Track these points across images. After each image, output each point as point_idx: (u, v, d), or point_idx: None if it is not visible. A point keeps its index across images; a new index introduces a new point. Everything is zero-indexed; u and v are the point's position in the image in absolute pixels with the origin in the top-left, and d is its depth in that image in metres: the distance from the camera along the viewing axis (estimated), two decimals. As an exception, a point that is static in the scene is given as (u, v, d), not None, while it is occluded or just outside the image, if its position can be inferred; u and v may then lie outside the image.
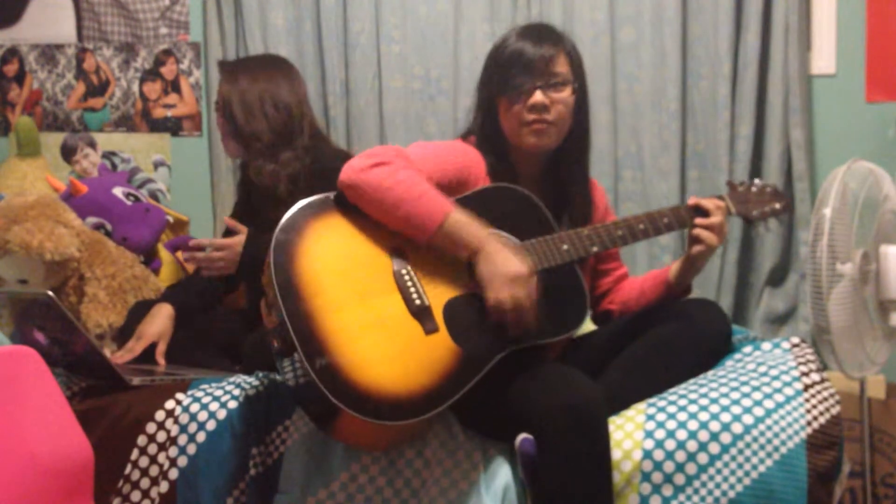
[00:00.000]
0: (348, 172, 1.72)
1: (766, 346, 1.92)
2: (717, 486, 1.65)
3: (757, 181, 2.03)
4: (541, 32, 1.91)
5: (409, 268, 1.71)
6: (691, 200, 1.92)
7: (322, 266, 1.67)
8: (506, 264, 1.67)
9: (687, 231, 1.92)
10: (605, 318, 2.11)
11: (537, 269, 1.74)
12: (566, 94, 1.88)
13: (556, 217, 1.88)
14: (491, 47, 1.96)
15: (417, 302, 1.67)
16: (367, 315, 1.64)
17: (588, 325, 2.17)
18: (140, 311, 2.26)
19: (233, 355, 2.19)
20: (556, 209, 1.90)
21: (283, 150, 2.19)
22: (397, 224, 1.71)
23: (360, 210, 1.74)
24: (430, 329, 1.66)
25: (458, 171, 1.84)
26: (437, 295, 1.70)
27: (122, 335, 2.27)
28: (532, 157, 1.93)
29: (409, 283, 1.69)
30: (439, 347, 1.65)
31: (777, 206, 1.99)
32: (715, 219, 1.88)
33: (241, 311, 2.37)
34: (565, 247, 1.80)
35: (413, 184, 1.70)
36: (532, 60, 1.85)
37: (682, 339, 1.83)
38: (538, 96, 1.85)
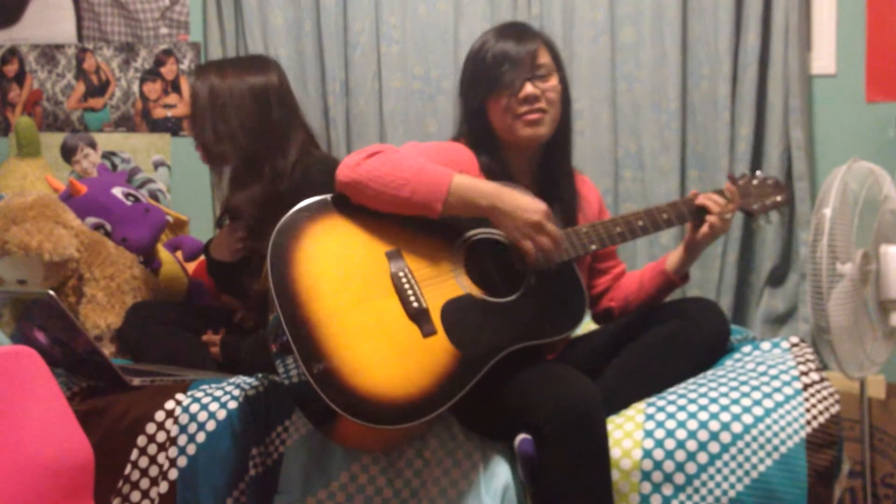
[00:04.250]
0: (344, 171, 1.72)
1: (766, 345, 1.92)
2: (718, 485, 1.65)
3: (758, 173, 2.03)
4: (519, 30, 1.94)
5: (406, 270, 1.71)
6: (699, 199, 1.92)
7: (319, 269, 1.67)
8: (525, 211, 1.70)
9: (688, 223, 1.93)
10: (606, 315, 2.11)
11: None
12: (554, 82, 1.91)
13: None
14: (469, 51, 1.96)
15: (415, 304, 1.67)
16: (365, 319, 1.64)
17: (587, 325, 2.17)
18: (138, 312, 2.26)
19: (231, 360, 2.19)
20: (546, 203, 1.90)
21: (252, 176, 2.05)
22: (405, 206, 1.71)
23: (355, 212, 1.74)
24: (427, 332, 1.66)
25: (450, 168, 1.84)
26: (435, 297, 1.70)
27: (120, 336, 2.27)
28: (524, 152, 1.95)
29: (407, 286, 1.69)
30: (437, 350, 1.65)
31: (778, 198, 1.99)
32: (729, 206, 1.91)
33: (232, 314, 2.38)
34: (563, 245, 1.80)
35: (409, 162, 1.71)
36: (518, 57, 1.88)
37: (680, 338, 1.83)
38: (529, 88, 1.87)
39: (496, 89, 1.88)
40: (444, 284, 1.73)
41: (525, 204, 1.71)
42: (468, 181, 1.71)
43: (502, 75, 1.87)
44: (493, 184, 1.73)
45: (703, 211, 1.90)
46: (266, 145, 2.06)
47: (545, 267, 1.76)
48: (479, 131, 1.94)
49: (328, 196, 1.76)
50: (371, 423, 1.54)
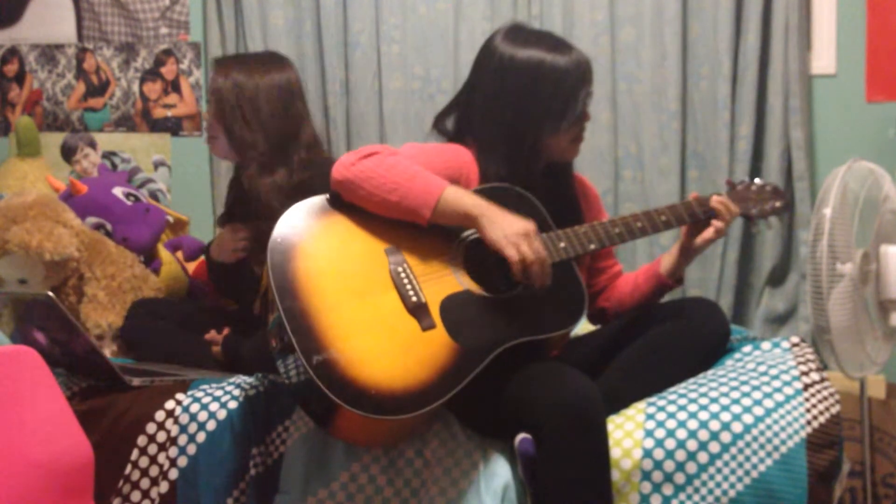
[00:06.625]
0: (339, 169, 1.73)
1: (766, 345, 1.92)
2: (718, 485, 1.65)
3: (757, 180, 2.03)
4: (560, 39, 1.91)
5: (405, 265, 1.72)
6: (713, 202, 1.90)
7: (318, 265, 1.68)
8: (513, 223, 1.69)
9: (686, 226, 1.92)
10: (599, 316, 2.11)
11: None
12: None
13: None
14: (522, 71, 1.83)
15: (414, 299, 1.68)
16: (364, 312, 1.65)
17: (586, 326, 2.17)
18: (139, 310, 2.26)
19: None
20: (547, 207, 1.89)
21: (279, 162, 2.09)
22: (395, 210, 1.71)
23: (355, 210, 1.75)
24: (426, 326, 1.66)
25: (450, 171, 1.83)
26: (434, 292, 1.71)
27: (122, 333, 2.27)
28: (546, 165, 1.94)
29: (406, 281, 1.69)
30: (436, 344, 1.65)
31: (777, 204, 1.99)
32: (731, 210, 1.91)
33: (233, 313, 2.38)
34: (563, 244, 1.80)
35: (404, 167, 1.71)
36: (589, 75, 1.88)
37: (680, 338, 1.83)
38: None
39: (576, 116, 1.87)
40: (442, 281, 1.73)
41: (513, 219, 1.70)
42: (459, 193, 1.70)
43: (583, 98, 1.87)
44: (482, 199, 1.71)
45: (700, 215, 1.89)
46: (291, 134, 2.13)
47: (531, 283, 1.70)
48: (514, 149, 1.87)
49: (325, 196, 1.77)
50: (370, 414, 1.55)
